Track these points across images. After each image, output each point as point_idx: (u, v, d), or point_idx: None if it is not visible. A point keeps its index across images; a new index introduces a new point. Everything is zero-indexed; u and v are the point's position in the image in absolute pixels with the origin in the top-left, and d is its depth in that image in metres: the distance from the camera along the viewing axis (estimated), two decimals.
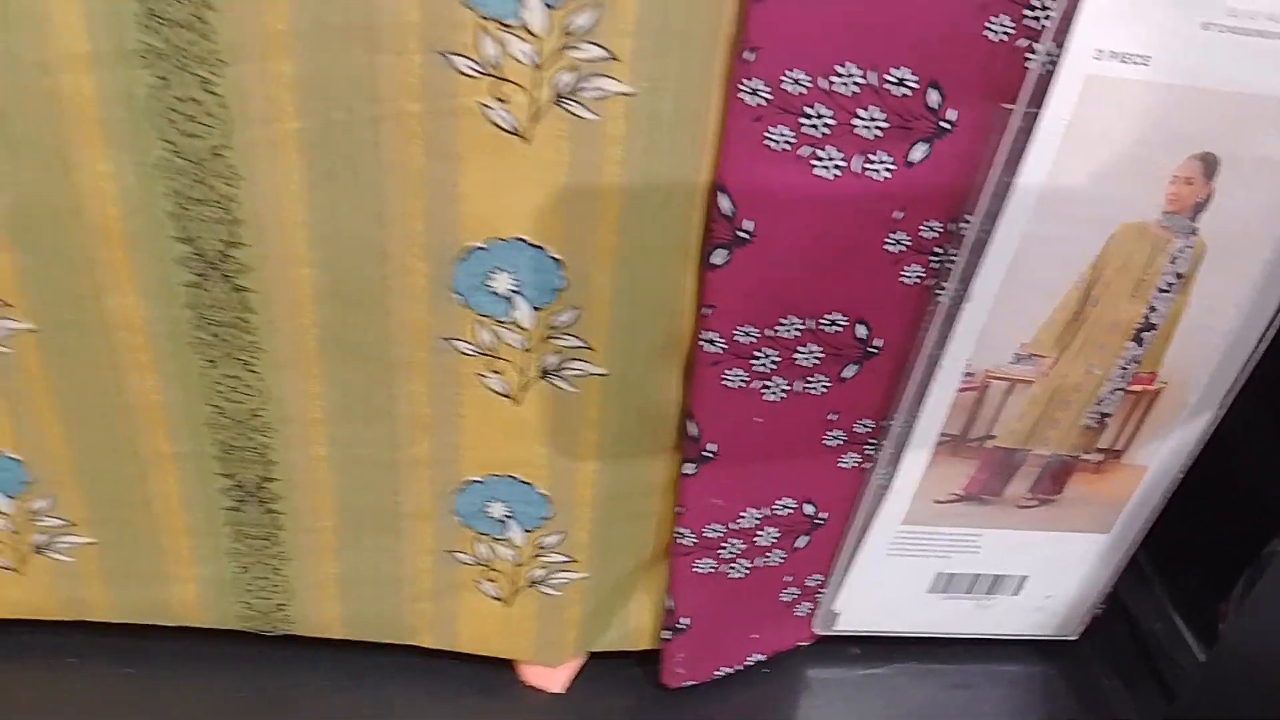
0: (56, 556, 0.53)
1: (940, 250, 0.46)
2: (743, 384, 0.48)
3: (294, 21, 0.37)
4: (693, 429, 0.49)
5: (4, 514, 0.51)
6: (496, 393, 0.47)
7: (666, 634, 0.57)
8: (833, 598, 0.60)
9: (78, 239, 0.42)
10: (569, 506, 0.51)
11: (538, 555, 0.53)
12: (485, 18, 0.38)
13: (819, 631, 0.62)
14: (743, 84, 0.40)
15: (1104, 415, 0.52)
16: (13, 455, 0.49)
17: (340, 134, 0.40)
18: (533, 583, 0.54)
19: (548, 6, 0.37)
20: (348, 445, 0.49)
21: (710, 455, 0.50)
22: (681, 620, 0.56)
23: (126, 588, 0.54)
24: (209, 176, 0.40)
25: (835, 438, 0.52)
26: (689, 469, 0.51)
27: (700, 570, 0.54)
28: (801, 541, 0.56)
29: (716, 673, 0.60)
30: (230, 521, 0.52)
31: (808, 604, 0.61)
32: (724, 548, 0.54)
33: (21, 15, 0.36)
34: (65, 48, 0.37)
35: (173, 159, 0.40)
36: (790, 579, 0.58)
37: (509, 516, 0.52)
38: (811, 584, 0.60)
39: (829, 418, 0.51)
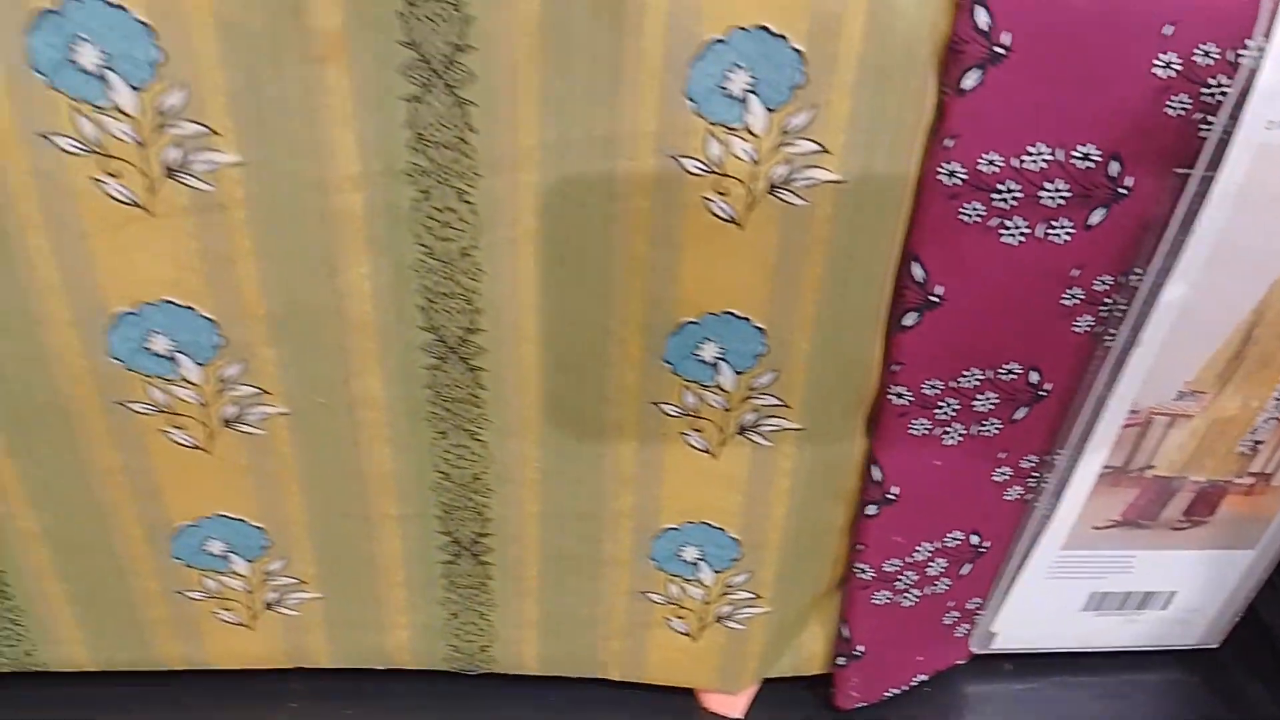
0: (285, 611, 0.58)
1: (1110, 300, 0.49)
2: (925, 431, 0.52)
3: (543, 137, 0.42)
4: (877, 474, 0.53)
5: (241, 575, 0.56)
6: (697, 449, 0.52)
7: (841, 660, 0.61)
8: (991, 619, 0.64)
9: (335, 332, 0.47)
10: (758, 548, 0.56)
11: (725, 593, 0.58)
12: (713, 123, 0.42)
13: (976, 650, 0.66)
14: (941, 167, 0.44)
15: (1257, 443, 0.56)
16: (256, 524, 0.54)
17: (574, 229, 0.45)
18: (719, 618, 0.59)
19: (768, 110, 0.42)
20: (558, 501, 0.54)
21: (893, 498, 0.54)
22: (857, 648, 0.60)
23: (346, 636, 0.59)
24: (457, 274, 0.45)
25: (1003, 474, 0.56)
26: (871, 510, 0.55)
27: (877, 602, 0.59)
28: (966, 569, 0.60)
29: (885, 694, 0.64)
30: (445, 574, 0.57)
31: (966, 625, 0.65)
32: (899, 580, 0.58)
33: (307, 144, 0.41)
34: (341, 170, 0.42)
35: (426, 260, 0.45)
36: (953, 604, 0.62)
37: (701, 559, 0.56)
38: (971, 607, 0.63)
39: (999, 456, 0.55)
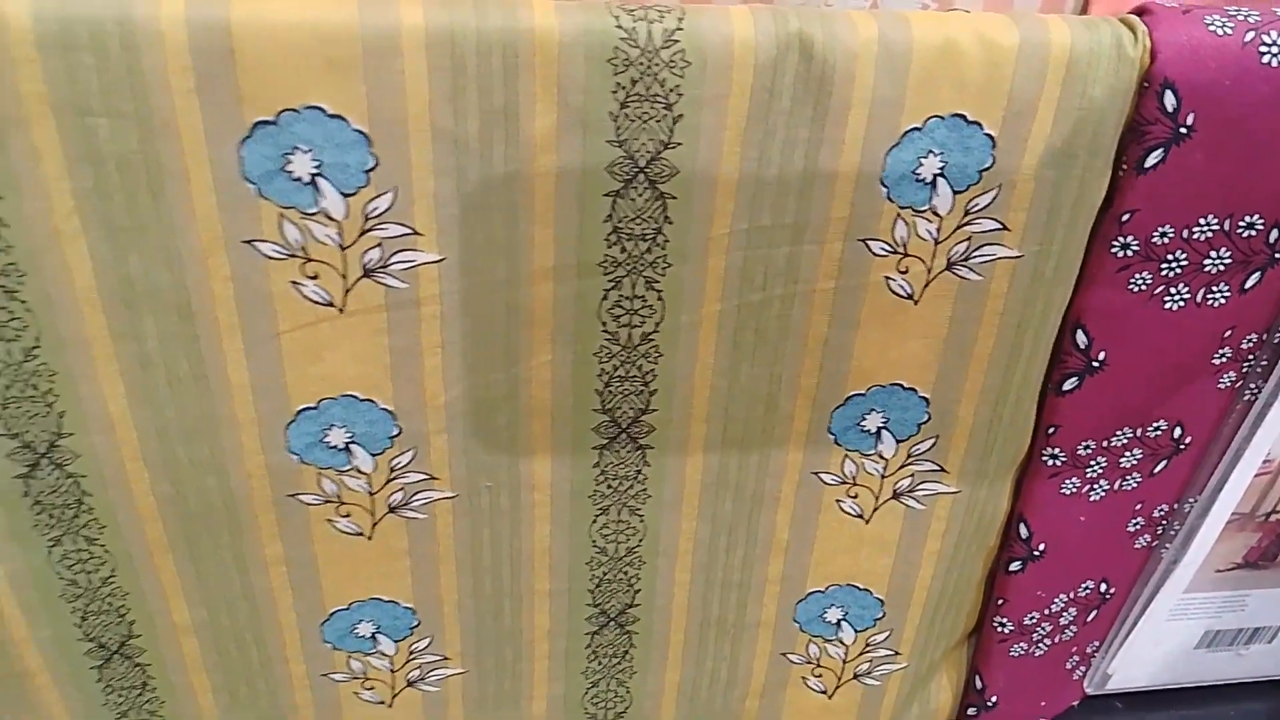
0: (426, 688, 0.58)
1: (1253, 357, 0.52)
2: (1075, 490, 0.54)
3: (734, 225, 0.43)
4: (1024, 531, 0.55)
5: (387, 655, 0.56)
6: (850, 514, 0.53)
7: (972, 710, 0.63)
8: (1108, 661, 0.66)
9: (509, 418, 0.48)
10: (902, 607, 0.57)
11: (865, 651, 0.59)
12: (903, 207, 0.43)
13: (1091, 691, 0.68)
14: (1115, 241, 0.45)
15: None
16: (407, 605, 0.54)
17: (754, 311, 0.46)
18: (856, 675, 0.60)
19: (955, 192, 0.43)
20: (709, 570, 0.55)
21: (1039, 554, 0.56)
22: (991, 698, 0.62)
23: (484, 710, 0.60)
24: (637, 357, 0.46)
25: (1136, 524, 0.58)
26: (1016, 566, 0.56)
27: (1014, 654, 0.60)
28: (1092, 615, 0.62)
29: None
30: (589, 644, 0.58)
31: (1084, 667, 0.67)
32: (1036, 631, 0.60)
33: (505, 241, 0.42)
34: (536, 264, 0.43)
35: (609, 346, 0.46)
36: (1075, 648, 0.64)
37: (844, 619, 0.58)
38: (1090, 650, 0.65)
39: (1135, 507, 0.57)
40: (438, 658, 0.57)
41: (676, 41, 0.38)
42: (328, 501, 0.49)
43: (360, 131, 0.38)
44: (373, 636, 0.55)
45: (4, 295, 0.40)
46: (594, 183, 0.41)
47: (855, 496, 0.52)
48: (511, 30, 0.37)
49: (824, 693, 0.60)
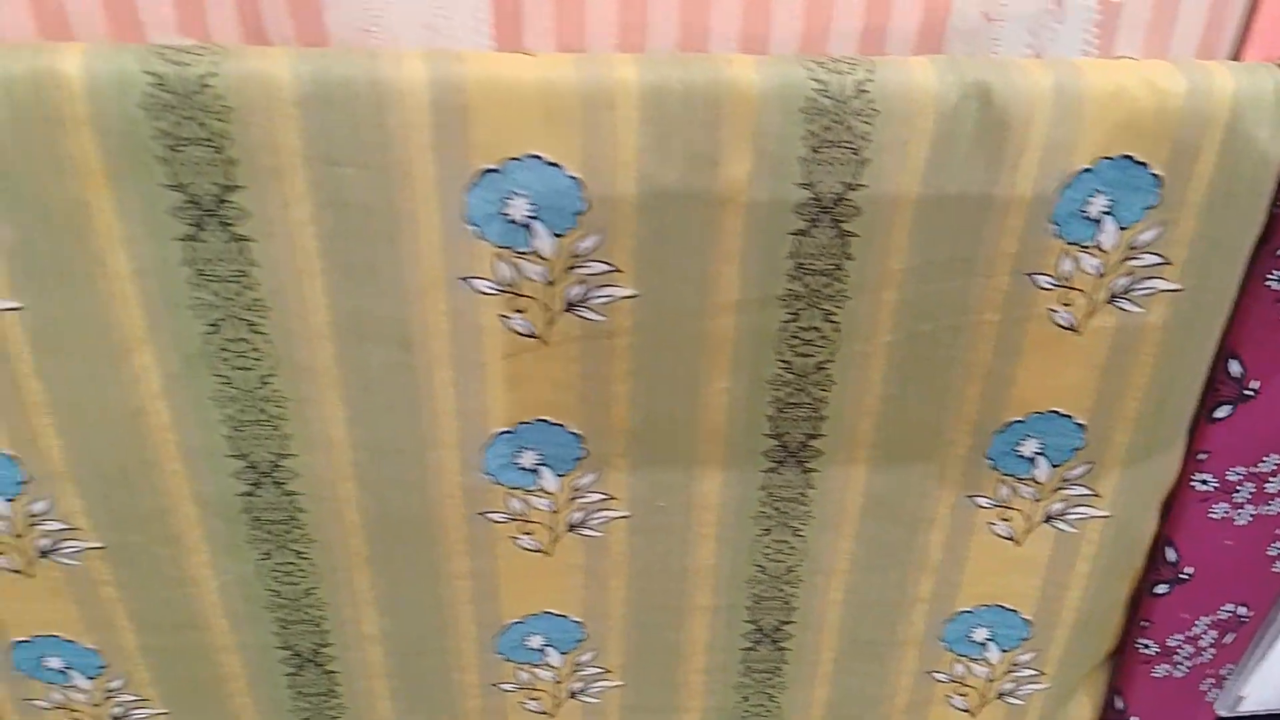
0: (587, 700, 0.62)
1: None
2: (1224, 514, 0.55)
3: (910, 261, 0.46)
4: (1172, 555, 0.57)
5: (554, 667, 0.60)
6: (1001, 537, 0.56)
7: None
8: (1242, 683, 0.67)
9: (686, 442, 0.51)
10: (1049, 628, 0.59)
11: (1010, 671, 0.61)
12: (1070, 243, 0.46)
13: (1223, 714, 0.69)
14: (1271, 274, 0.47)
15: None
16: (577, 619, 0.58)
17: (922, 341, 0.49)
18: (1000, 695, 0.62)
19: (1120, 229, 0.46)
20: (861, 590, 0.57)
21: (1186, 577, 0.57)
22: (1130, 719, 0.63)
23: (638, 719, 0.63)
24: (809, 385, 0.49)
25: (1276, 548, 0.59)
26: (1161, 589, 0.58)
27: (1156, 675, 0.62)
28: (1229, 638, 0.63)
29: None
30: (743, 659, 0.60)
31: (1216, 690, 0.68)
32: (1178, 654, 0.61)
33: (695, 276, 0.45)
34: (722, 298, 0.46)
35: (783, 374, 0.49)
36: (1211, 671, 0.65)
37: (990, 639, 0.60)
38: (1224, 672, 0.66)
39: (1276, 531, 0.58)
40: (600, 670, 0.60)
41: (866, 92, 0.41)
42: (513, 519, 0.52)
43: (574, 177, 0.42)
44: (542, 649, 0.58)
45: (247, 329, 0.44)
46: (781, 222, 0.44)
47: (1008, 520, 0.54)
48: (715, 83, 0.41)
49: (968, 711, 0.62)
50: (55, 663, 0.55)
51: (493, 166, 0.42)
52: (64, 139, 0.39)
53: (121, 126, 0.39)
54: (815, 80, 0.41)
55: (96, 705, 0.57)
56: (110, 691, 0.56)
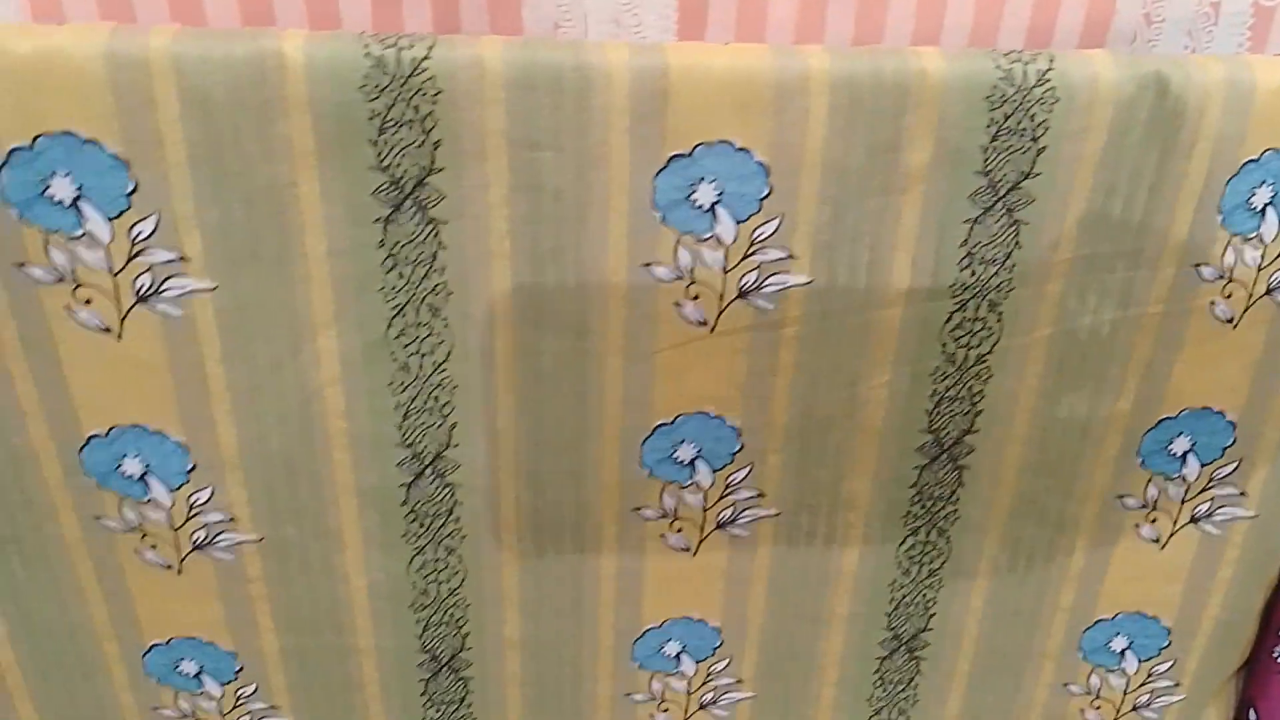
0: (717, 712, 0.62)
1: None
2: None
3: (1077, 251, 0.48)
4: None
5: (686, 676, 0.60)
6: (1146, 539, 0.56)
7: None
8: None
9: (840, 438, 0.52)
10: (1188, 636, 0.60)
11: (1146, 682, 0.61)
12: (1234, 234, 0.48)
13: None
14: None
15: None
16: (715, 625, 0.58)
17: (1084, 335, 0.50)
18: (1136, 707, 0.62)
19: None
20: (1002, 597, 0.58)
21: None
22: None
23: None
24: (969, 379, 0.50)
25: None
26: None
27: None
28: None
29: None
30: (877, 670, 0.61)
31: None
32: None
33: (867, 266, 0.47)
34: (892, 288, 0.48)
35: (944, 367, 0.50)
36: None
37: (1128, 649, 0.60)
38: None
39: None
40: (732, 680, 0.60)
41: (1048, 80, 0.43)
42: (664, 516, 0.53)
43: (761, 164, 0.44)
44: (677, 656, 0.59)
45: (430, 313, 0.46)
46: (957, 210, 0.46)
47: (1154, 521, 0.55)
48: (903, 72, 0.43)
49: None
50: (189, 667, 0.55)
51: (683, 152, 0.43)
52: (280, 120, 0.41)
53: (337, 109, 0.41)
54: (999, 69, 0.43)
55: (225, 714, 0.57)
56: (241, 699, 0.57)
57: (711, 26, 0.45)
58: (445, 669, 0.57)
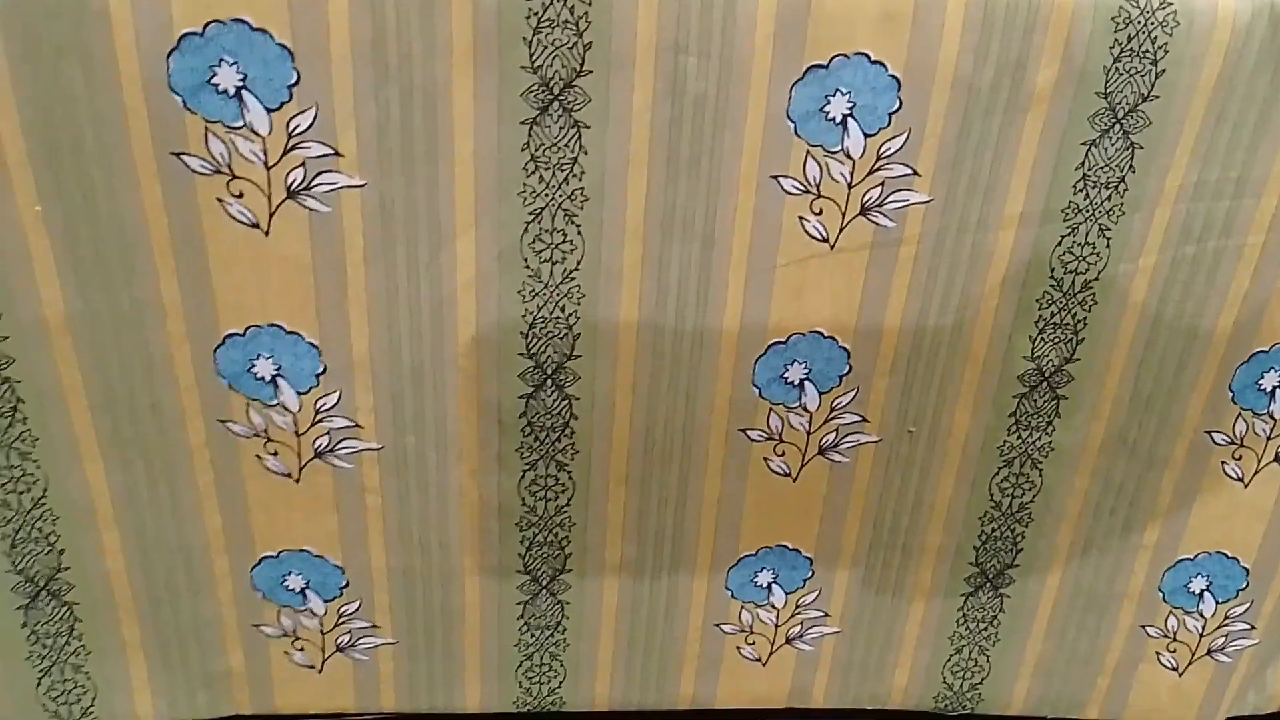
0: (802, 646, 0.62)
1: None
2: None
3: (1186, 179, 0.49)
4: None
5: (775, 608, 0.60)
6: (1231, 478, 0.57)
7: None
8: None
9: (946, 364, 0.53)
10: (1266, 579, 0.60)
11: (1223, 625, 0.62)
12: None
13: None
14: None
15: None
16: (808, 555, 0.58)
17: (1185, 265, 0.51)
18: (1210, 651, 0.63)
19: None
20: (1090, 534, 0.58)
21: None
22: None
23: (848, 678, 0.63)
24: (1074, 305, 0.51)
25: None
26: None
27: None
28: None
29: None
30: (961, 608, 0.61)
31: None
32: None
33: (986, 185, 0.48)
34: (1008, 209, 0.49)
35: (1051, 292, 0.51)
36: None
37: (1206, 590, 0.61)
38: None
39: None
40: (821, 614, 0.60)
41: (1170, 4, 0.45)
42: (770, 438, 0.54)
43: (894, 77, 0.45)
44: (768, 586, 0.59)
45: (565, 219, 0.47)
46: (1076, 132, 0.47)
47: (1239, 459, 0.56)
48: None
49: (1175, 670, 0.63)
50: (296, 582, 0.55)
51: (821, 64, 0.44)
52: (443, 15, 0.42)
53: (499, 6, 0.42)
54: None
55: (325, 632, 0.57)
56: (343, 616, 0.57)
57: None
58: (544, 591, 0.57)
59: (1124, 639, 0.62)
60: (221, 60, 0.42)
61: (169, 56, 0.41)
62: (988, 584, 0.59)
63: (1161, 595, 0.60)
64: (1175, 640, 0.62)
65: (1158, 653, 0.62)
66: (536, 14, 0.42)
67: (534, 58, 0.43)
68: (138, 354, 0.48)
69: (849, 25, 0.44)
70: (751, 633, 0.60)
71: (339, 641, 0.57)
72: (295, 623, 0.57)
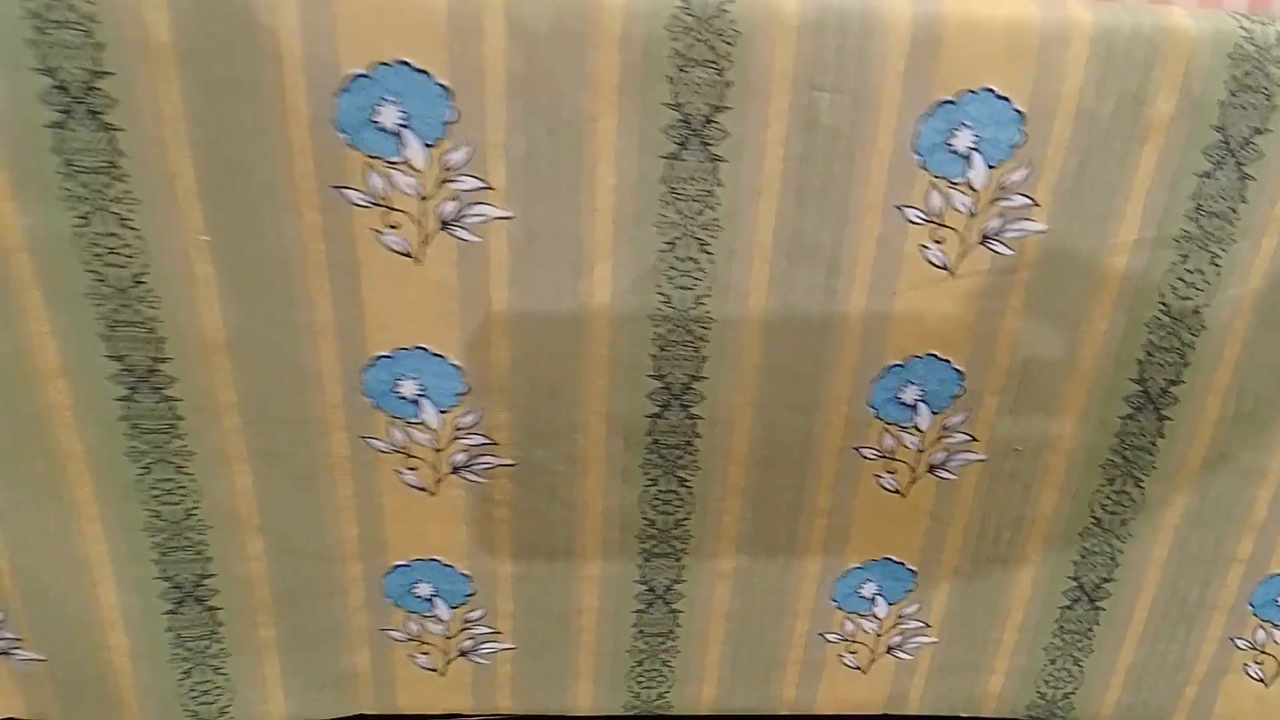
0: (901, 655, 0.62)
1: None
2: None
3: None
4: None
5: (878, 618, 0.60)
6: None
7: None
8: None
9: (1053, 382, 0.53)
10: None
11: None
12: None
13: None
14: None
15: None
16: (911, 567, 0.58)
17: None
18: None
19: None
20: (1185, 547, 0.58)
21: None
22: None
23: (945, 677, 0.63)
24: (1181, 330, 0.51)
25: None
26: None
27: None
28: None
29: None
30: (1058, 619, 0.61)
31: None
32: None
33: (1104, 213, 0.48)
34: (1123, 236, 0.48)
35: (1161, 317, 0.51)
36: None
37: None
38: None
39: None
40: (920, 624, 0.60)
41: None
42: (882, 456, 0.54)
43: (1019, 111, 0.45)
44: (872, 597, 0.59)
45: (697, 247, 0.47)
46: (1191, 163, 0.47)
47: None
48: (1158, 28, 0.44)
49: (1262, 680, 0.62)
50: (424, 589, 0.56)
51: (949, 99, 0.45)
52: (592, 54, 0.42)
53: (645, 45, 0.42)
54: (1243, 29, 0.44)
55: (449, 638, 0.58)
56: (467, 623, 0.57)
57: None
58: (659, 600, 0.57)
59: (1213, 649, 0.61)
60: (384, 99, 0.42)
61: (337, 96, 0.42)
62: (1084, 596, 0.59)
63: (1251, 608, 0.60)
64: (1263, 653, 0.61)
65: (1245, 664, 0.62)
66: (681, 54, 0.43)
67: (676, 94, 0.43)
68: (291, 373, 0.48)
69: (976, 62, 0.44)
70: (854, 641, 0.60)
71: (462, 646, 0.58)
72: (421, 628, 0.57)
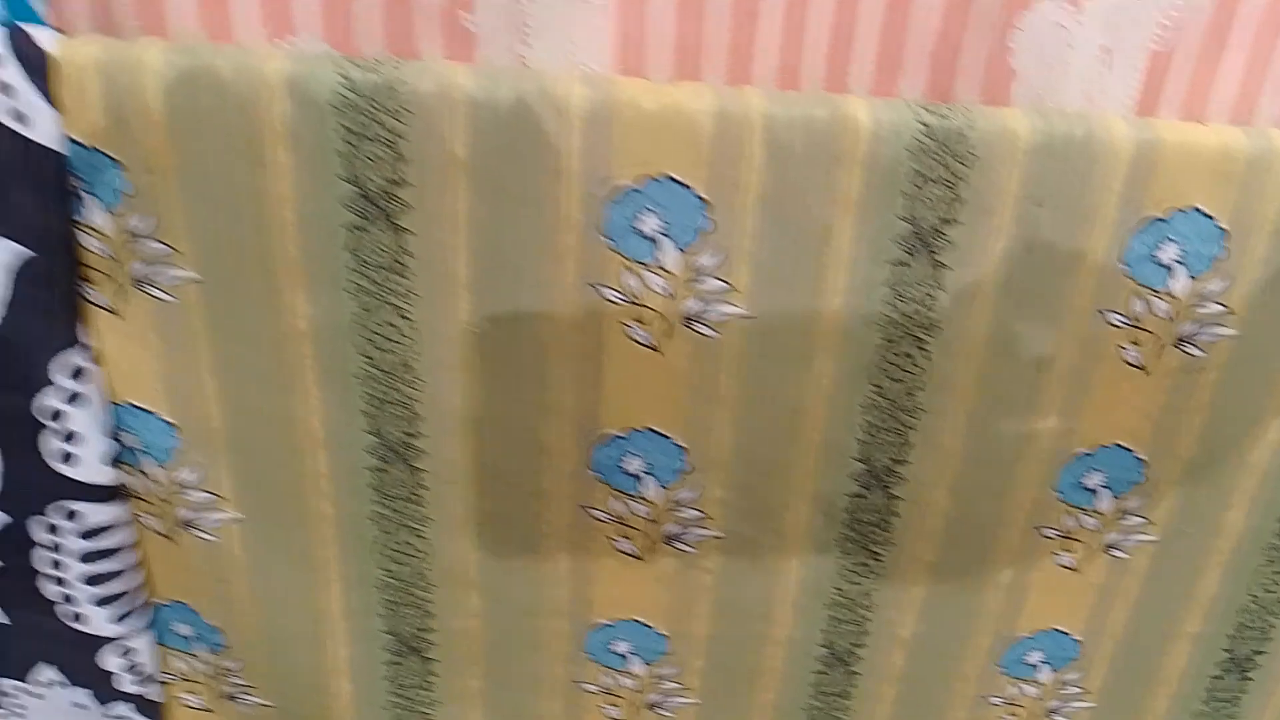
0: (1060, 717, 0.63)
1: None
2: None
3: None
4: None
5: (1041, 684, 0.62)
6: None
7: None
8: None
9: (1228, 475, 0.54)
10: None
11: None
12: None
13: None
14: None
15: None
16: (1077, 637, 0.60)
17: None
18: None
19: None
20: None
21: None
22: None
23: None
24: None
25: None
26: None
27: None
28: None
29: None
30: (1209, 687, 0.62)
31: None
32: None
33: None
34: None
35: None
36: None
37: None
38: None
39: None
40: (1080, 690, 0.62)
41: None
42: (1063, 536, 0.56)
43: (1222, 229, 0.47)
44: (1038, 665, 0.61)
45: (913, 343, 0.49)
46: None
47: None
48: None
49: None
50: (622, 647, 0.58)
51: (1159, 216, 0.47)
52: (839, 172, 0.45)
53: (887, 164, 0.45)
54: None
55: (639, 691, 0.60)
56: (660, 678, 0.59)
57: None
58: (839, 662, 0.59)
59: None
60: (648, 209, 0.45)
61: (606, 205, 0.45)
62: (1235, 668, 0.61)
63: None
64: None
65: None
66: (920, 173, 0.45)
67: (911, 208, 0.46)
68: (529, 448, 0.51)
69: (1186, 182, 0.46)
70: (1016, 705, 0.62)
71: (649, 699, 0.60)
72: (615, 682, 0.60)
